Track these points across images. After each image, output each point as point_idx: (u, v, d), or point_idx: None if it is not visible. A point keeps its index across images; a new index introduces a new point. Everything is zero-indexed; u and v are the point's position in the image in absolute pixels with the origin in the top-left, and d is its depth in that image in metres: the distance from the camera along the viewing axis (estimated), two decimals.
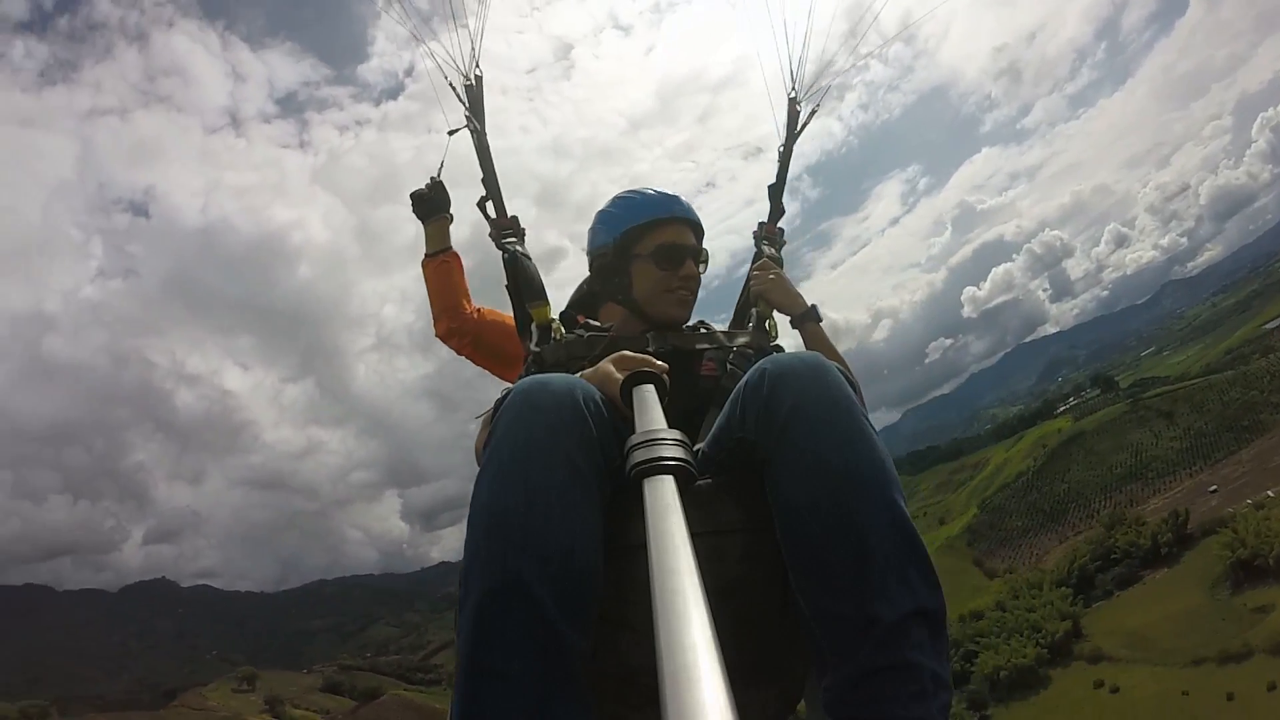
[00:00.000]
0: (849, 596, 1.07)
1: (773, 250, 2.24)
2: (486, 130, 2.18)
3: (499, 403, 1.20)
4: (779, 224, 2.32)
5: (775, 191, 2.35)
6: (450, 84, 2.22)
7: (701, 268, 1.89)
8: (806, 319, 1.99)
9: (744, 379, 1.30)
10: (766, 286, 2.06)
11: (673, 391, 1.60)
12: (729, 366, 1.77)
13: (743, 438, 1.25)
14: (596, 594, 1.08)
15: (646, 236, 1.83)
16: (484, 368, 2.37)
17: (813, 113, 2.55)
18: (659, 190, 1.89)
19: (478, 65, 2.23)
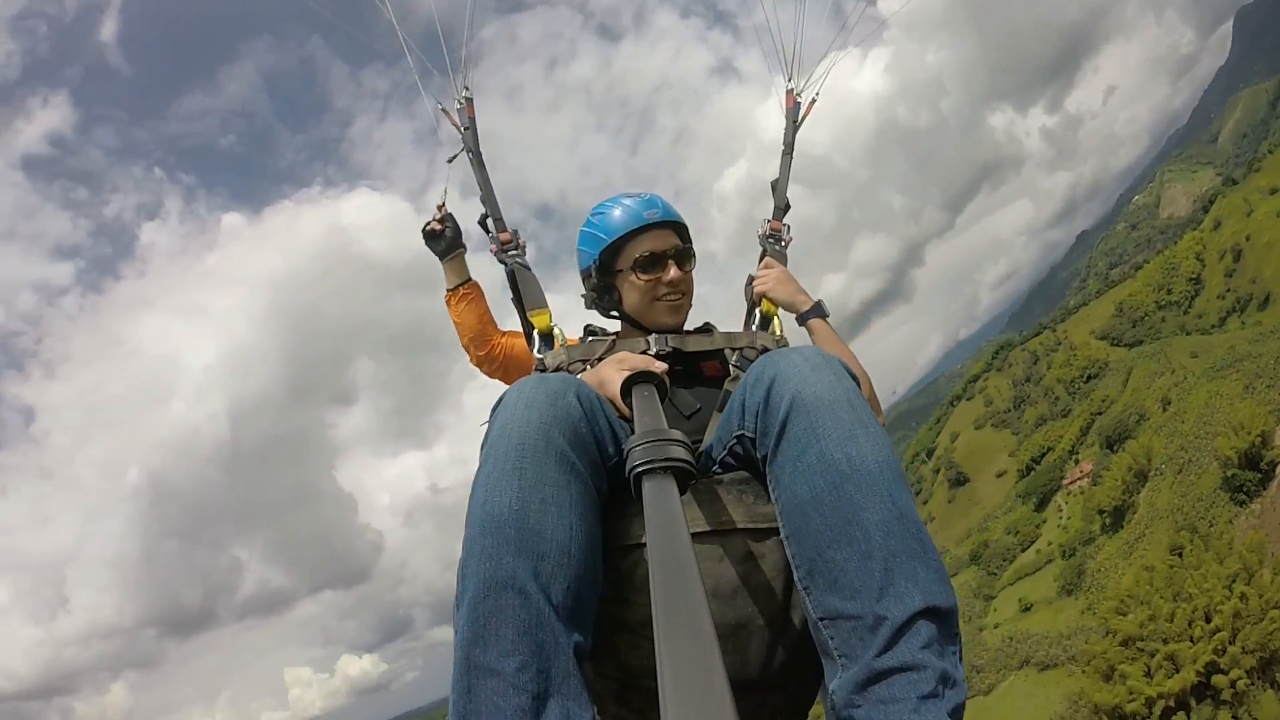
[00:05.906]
0: (855, 595, 1.04)
1: (778, 247, 2.22)
2: (481, 149, 2.20)
3: (497, 403, 1.21)
4: (784, 220, 2.28)
5: (779, 187, 2.32)
6: (442, 108, 2.26)
7: (690, 264, 1.83)
8: (812, 315, 1.96)
9: (745, 376, 1.30)
10: (770, 284, 2.04)
11: (675, 392, 1.63)
12: (733, 367, 1.74)
13: (743, 434, 1.25)
14: (594, 593, 1.07)
15: (625, 250, 1.80)
16: None
17: (813, 102, 2.50)
18: (633, 196, 1.84)
19: (467, 86, 2.25)
